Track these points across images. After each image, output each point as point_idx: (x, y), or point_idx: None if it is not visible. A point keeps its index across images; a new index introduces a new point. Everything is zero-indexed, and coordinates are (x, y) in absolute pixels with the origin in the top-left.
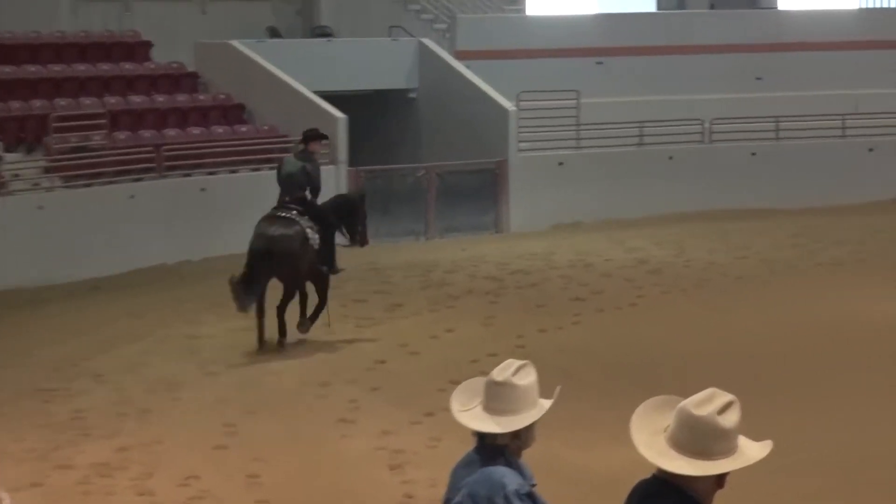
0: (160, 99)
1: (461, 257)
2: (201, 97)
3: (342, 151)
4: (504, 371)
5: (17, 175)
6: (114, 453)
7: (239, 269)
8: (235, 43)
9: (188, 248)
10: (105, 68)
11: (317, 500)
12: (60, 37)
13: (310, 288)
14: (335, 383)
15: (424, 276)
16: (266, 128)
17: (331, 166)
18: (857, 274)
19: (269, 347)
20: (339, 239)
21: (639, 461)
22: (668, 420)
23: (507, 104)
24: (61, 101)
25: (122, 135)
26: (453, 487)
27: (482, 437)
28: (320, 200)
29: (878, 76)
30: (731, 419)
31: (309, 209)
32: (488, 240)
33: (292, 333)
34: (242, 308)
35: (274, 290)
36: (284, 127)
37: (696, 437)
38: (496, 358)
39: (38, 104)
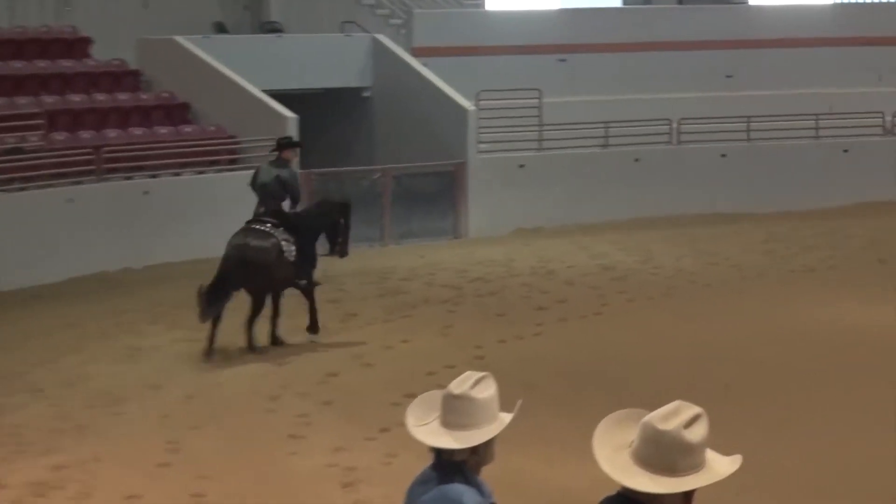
0: (100, 98)
1: (418, 264)
2: (144, 96)
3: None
4: (462, 384)
5: None
6: (50, 472)
7: (195, 277)
8: (180, 39)
9: (130, 255)
10: (42, 66)
11: None
12: None
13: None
14: (285, 397)
15: (379, 284)
16: (212, 128)
17: None
18: (829, 281)
19: (217, 358)
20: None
21: (604, 477)
22: (633, 435)
23: (466, 103)
24: None
25: (59, 136)
26: None
27: (439, 454)
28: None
29: (853, 74)
30: (697, 433)
31: (285, 221)
32: (446, 246)
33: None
34: (204, 317)
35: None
36: (232, 127)
37: (661, 452)
38: (454, 370)
39: None
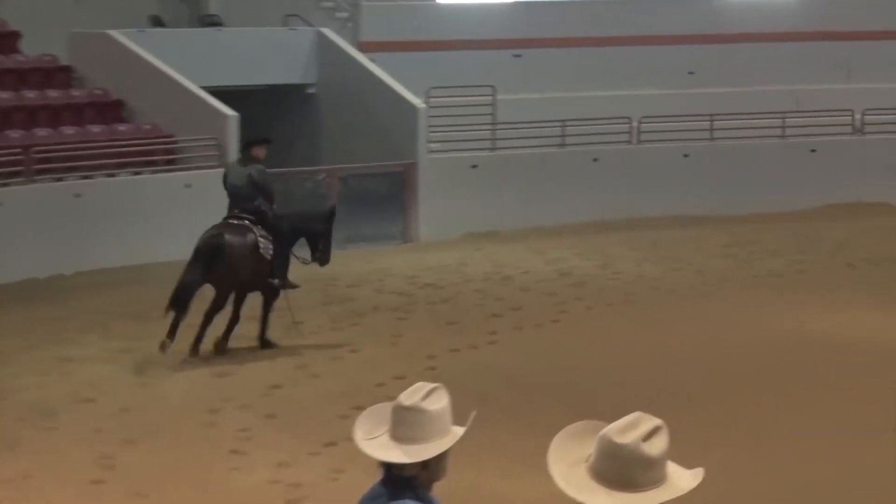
0: (30, 95)
1: (366, 270)
2: (76, 93)
3: (233, 153)
4: (413, 395)
5: None
6: None
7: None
8: (114, 33)
9: (61, 261)
10: None
11: None
12: None
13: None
14: (225, 409)
15: (325, 291)
16: (148, 127)
17: (220, 169)
18: (796, 287)
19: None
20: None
21: (561, 493)
22: (590, 448)
23: (416, 101)
24: None
25: None
26: None
27: (389, 469)
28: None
29: (820, 70)
30: (657, 446)
31: (263, 220)
32: (396, 250)
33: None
34: (178, 311)
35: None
36: (168, 126)
37: (620, 466)
38: (404, 381)
39: None
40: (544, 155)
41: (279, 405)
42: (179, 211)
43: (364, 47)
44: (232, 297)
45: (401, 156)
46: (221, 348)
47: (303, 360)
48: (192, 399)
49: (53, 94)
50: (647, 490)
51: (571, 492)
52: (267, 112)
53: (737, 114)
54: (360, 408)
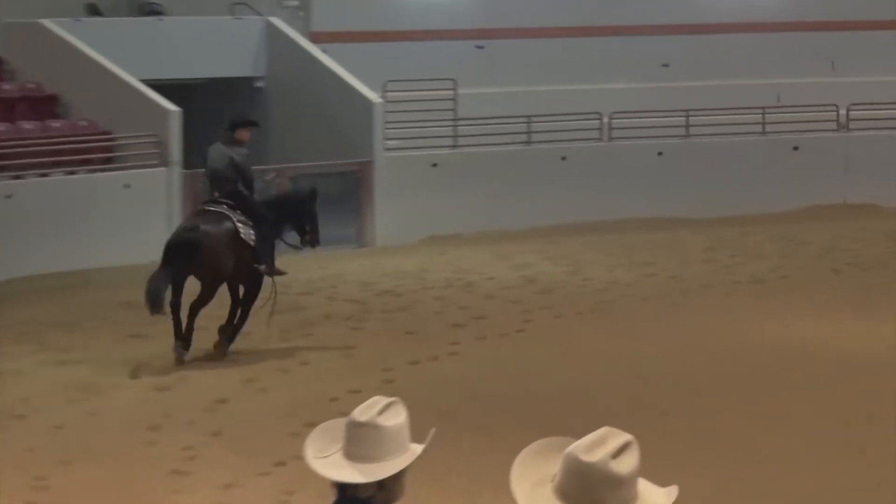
0: None
1: (318, 276)
2: (7, 87)
3: (175, 151)
4: (368, 410)
5: None
6: None
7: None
8: (47, 22)
9: None
10: None
11: None
12: None
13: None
14: (167, 427)
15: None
16: (84, 123)
17: (161, 169)
18: (778, 293)
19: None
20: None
21: None
22: (556, 467)
23: (372, 95)
24: None
25: None
26: None
27: (343, 489)
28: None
29: (803, 62)
30: (627, 464)
31: (243, 205)
32: (350, 255)
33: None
34: (154, 309)
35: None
36: (106, 122)
37: (587, 486)
38: (360, 395)
39: None
40: (509, 153)
41: (225, 421)
42: (118, 213)
43: (316, 38)
44: (231, 297)
45: (356, 154)
46: (222, 349)
47: (250, 372)
48: (131, 415)
49: None
50: None
51: None
52: (212, 107)
53: (714, 109)
54: (312, 424)
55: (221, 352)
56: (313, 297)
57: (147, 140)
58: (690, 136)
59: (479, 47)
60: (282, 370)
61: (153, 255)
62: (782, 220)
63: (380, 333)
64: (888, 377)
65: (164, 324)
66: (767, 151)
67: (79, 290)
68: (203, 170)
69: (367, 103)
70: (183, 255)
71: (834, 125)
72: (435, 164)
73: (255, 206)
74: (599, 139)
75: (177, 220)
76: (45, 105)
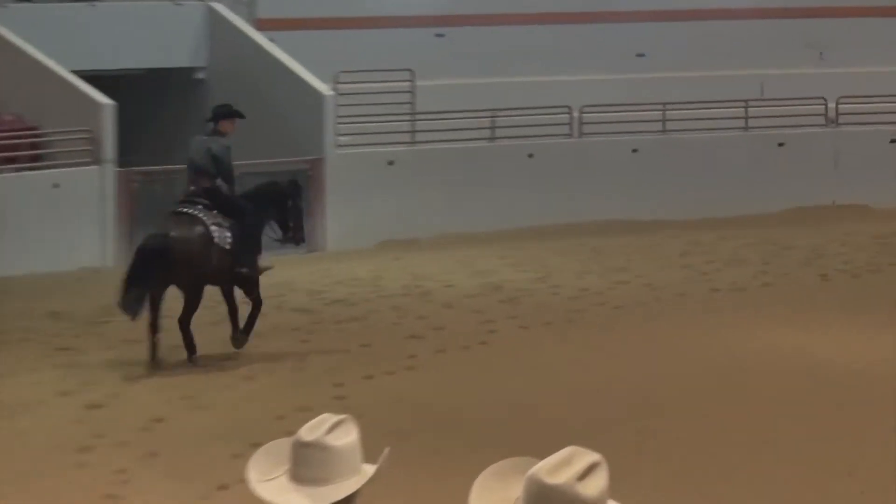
0: None
1: (264, 284)
2: None
3: (109, 148)
4: (316, 429)
5: None
6: None
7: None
8: None
9: None
10: None
11: None
12: None
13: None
14: (99, 448)
15: (216, 309)
16: (9, 118)
17: (93, 167)
18: (761, 302)
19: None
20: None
21: None
22: (518, 490)
23: (323, 87)
24: None
25: None
26: None
27: None
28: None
29: (789, 52)
30: (595, 486)
31: (219, 201)
32: (299, 261)
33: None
34: (128, 313)
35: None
36: (33, 116)
37: None
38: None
39: None
40: (471, 150)
41: (161, 442)
42: (46, 215)
43: (262, 25)
44: (226, 301)
45: (305, 151)
46: (239, 343)
47: (190, 388)
48: (59, 436)
49: None
50: None
51: None
52: (149, 100)
53: (693, 102)
54: (256, 445)
55: (241, 345)
56: None
57: (78, 136)
58: (667, 131)
59: (439, 35)
60: (224, 386)
61: (84, 260)
62: (766, 223)
63: (331, 346)
64: (881, 392)
65: (95, 336)
66: (750, 148)
67: (1, 300)
68: (136, 168)
69: (317, 96)
70: (153, 263)
71: (822, 120)
72: (391, 162)
73: (233, 201)
74: (569, 135)
75: (110, 223)
76: None
